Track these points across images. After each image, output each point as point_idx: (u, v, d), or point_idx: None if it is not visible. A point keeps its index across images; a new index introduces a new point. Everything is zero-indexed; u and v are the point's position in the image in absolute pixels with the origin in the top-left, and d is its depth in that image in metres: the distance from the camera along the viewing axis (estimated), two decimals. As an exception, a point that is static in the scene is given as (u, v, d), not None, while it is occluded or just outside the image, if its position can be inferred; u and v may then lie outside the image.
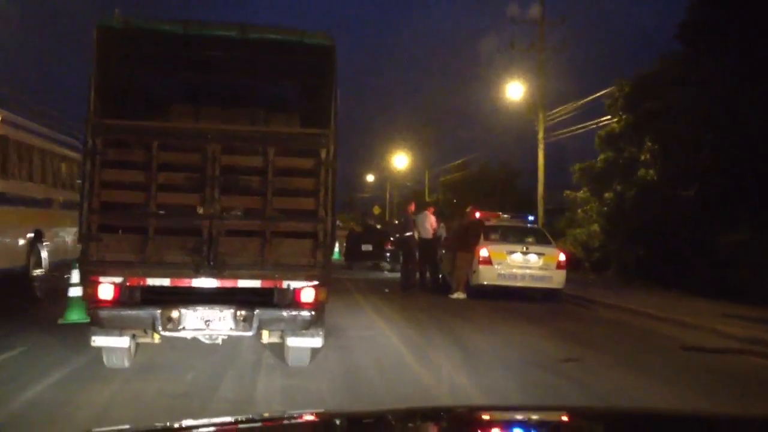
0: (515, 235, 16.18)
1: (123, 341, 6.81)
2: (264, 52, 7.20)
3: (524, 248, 15.49)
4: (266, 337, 6.96)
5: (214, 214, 6.51)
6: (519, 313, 13.07)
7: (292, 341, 7.05)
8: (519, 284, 15.23)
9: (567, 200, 28.29)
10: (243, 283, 6.59)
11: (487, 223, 16.49)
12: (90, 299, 6.52)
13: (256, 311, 6.54)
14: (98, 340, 6.75)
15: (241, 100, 7.57)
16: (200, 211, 6.58)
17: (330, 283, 6.96)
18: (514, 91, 27.39)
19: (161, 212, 6.57)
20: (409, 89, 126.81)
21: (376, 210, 56.31)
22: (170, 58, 7.54)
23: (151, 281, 6.52)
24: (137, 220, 6.60)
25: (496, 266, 15.17)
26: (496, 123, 34.17)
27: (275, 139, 6.69)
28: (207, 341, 6.92)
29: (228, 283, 6.57)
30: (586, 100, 24.75)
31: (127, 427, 2.23)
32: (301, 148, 6.84)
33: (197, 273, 6.47)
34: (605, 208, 23.21)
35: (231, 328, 6.57)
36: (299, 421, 2.30)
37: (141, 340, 7.11)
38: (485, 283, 15.24)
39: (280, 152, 6.66)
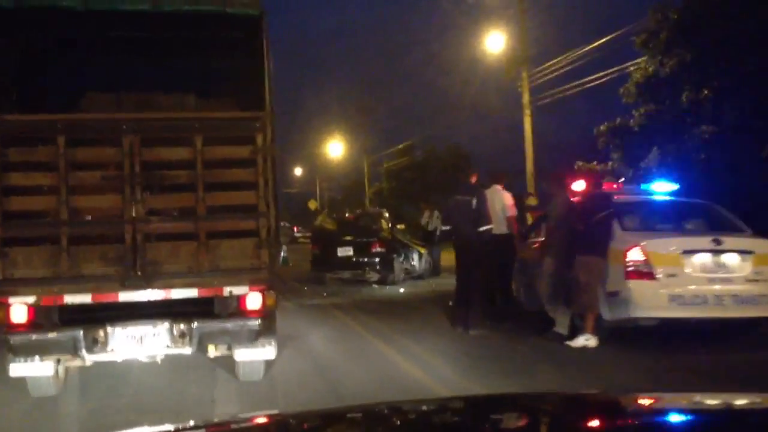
0: (677, 218, 9.59)
1: (46, 368, 6.15)
2: (182, 27, 6.55)
3: (714, 242, 8.34)
4: (212, 351, 6.34)
5: (137, 216, 5.83)
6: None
7: (240, 354, 6.48)
8: (715, 314, 8.33)
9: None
10: (177, 294, 6.02)
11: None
12: (2, 324, 5.77)
13: (195, 324, 5.99)
14: (17, 369, 6.05)
15: (164, 84, 6.85)
16: (124, 214, 5.87)
17: (279, 287, 6.34)
18: (490, 43, 22.67)
19: (74, 219, 5.84)
20: (349, 61, 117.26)
21: (312, 204, 53.32)
22: (75, 40, 6.78)
23: (70, 298, 5.86)
24: (47, 229, 5.88)
25: (664, 280, 8.19)
26: (466, 91, 30.02)
27: (202, 127, 6.09)
28: (145, 360, 6.23)
29: (160, 295, 5.94)
30: (599, 42, 19.52)
31: None
32: (234, 135, 6.28)
33: (123, 285, 5.85)
34: None
35: (167, 345, 6.01)
36: (249, 424, 2.18)
37: (70, 363, 6.45)
38: (643, 314, 8.32)
39: (209, 141, 6.08)
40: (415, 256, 18.22)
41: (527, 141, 22.35)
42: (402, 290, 16.00)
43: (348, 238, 17.40)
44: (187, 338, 5.97)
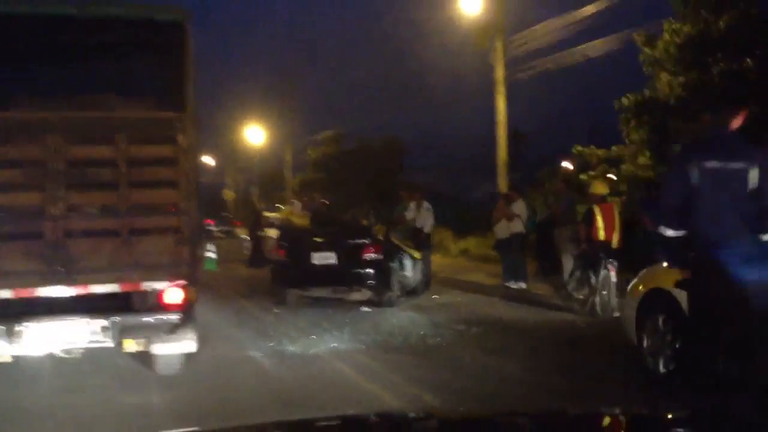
0: None
1: None
2: (109, 31, 6.83)
3: None
4: (130, 345, 6.62)
5: (60, 213, 6.11)
6: None
7: (158, 348, 6.82)
8: None
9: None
10: (98, 289, 6.34)
11: None
12: None
13: (115, 319, 6.29)
14: None
15: (89, 86, 7.14)
16: (47, 211, 6.14)
17: (199, 282, 6.69)
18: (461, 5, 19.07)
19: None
20: (276, 30, 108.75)
21: (228, 195, 51.11)
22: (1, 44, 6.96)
23: None
24: None
25: None
26: (424, 69, 26.89)
27: (125, 126, 6.42)
28: (64, 355, 6.51)
29: (81, 290, 6.28)
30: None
31: None
32: (156, 135, 6.64)
33: (44, 281, 6.09)
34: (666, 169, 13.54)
35: (88, 340, 6.27)
36: None
37: None
38: None
39: (132, 140, 6.43)
40: (408, 264, 13.16)
41: (500, 124, 18.93)
42: (424, 319, 10.92)
43: (326, 239, 12.52)
44: (107, 332, 6.27)
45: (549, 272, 14.14)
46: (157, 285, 6.43)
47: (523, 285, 13.72)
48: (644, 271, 7.49)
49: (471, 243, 22.26)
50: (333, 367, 7.79)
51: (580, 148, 17.04)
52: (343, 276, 12.02)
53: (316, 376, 7.42)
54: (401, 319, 10.92)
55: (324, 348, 8.73)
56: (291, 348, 8.74)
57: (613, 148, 15.93)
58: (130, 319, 6.41)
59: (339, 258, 12.08)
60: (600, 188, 11.52)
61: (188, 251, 6.46)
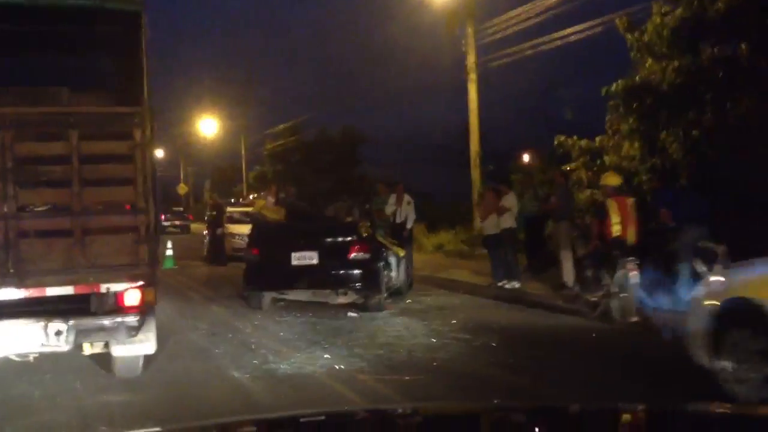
0: None
1: None
2: (60, 22, 6.57)
3: None
4: (88, 348, 6.47)
5: (10, 213, 5.89)
6: None
7: (118, 350, 6.67)
8: None
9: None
10: (52, 291, 6.13)
11: None
12: None
13: (71, 322, 6.13)
14: None
15: (40, 78, 6.88)
16: None
17: (158, 283, 6.51)
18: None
19: None
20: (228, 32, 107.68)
21: (182, 188, 50.27)
22: None
23: None
24: None
25: None
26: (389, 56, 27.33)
27: (77, 121, 6.22)
28: (18, 359, 6.30)
29: (34, 293, 6.04)
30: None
31: None
32: (111, 131, 6.46)
33: None
34: (656, 160, 13.31)
35: (42, 344, 6.08)
36: None
37: None
38: None
39: (85, 136, 6.24)
40: (393, 262, 12.26)
41: (472, 113, 18.52)
42: (421, 326, 9.88)
43: (308, 236, 11.37)
44: (63, 336, 6.06)
45: (539, 270, 13.53)
46: (115, 286, 6.25)
47: (516, 284, 12.77)
48: (714, 275, 6.49)
49: (444, 238, 21.76)
50: (333, 392, 6.69)
51: (562, 138, 16.04)
52: (326, 277, 10.91)
53: (316, 402, 6.28)
54: (395, 326, 9.90)
55: (318, 366, 7.52)
56: (280, 366, 7.49)
57: (597, 138, 15.22)
58: (87, 322, 6.22)
59: (321, 257, 10.96)
60: (613, 179, 10.47)
61: (146, 251, 6.29)
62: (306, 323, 10.11)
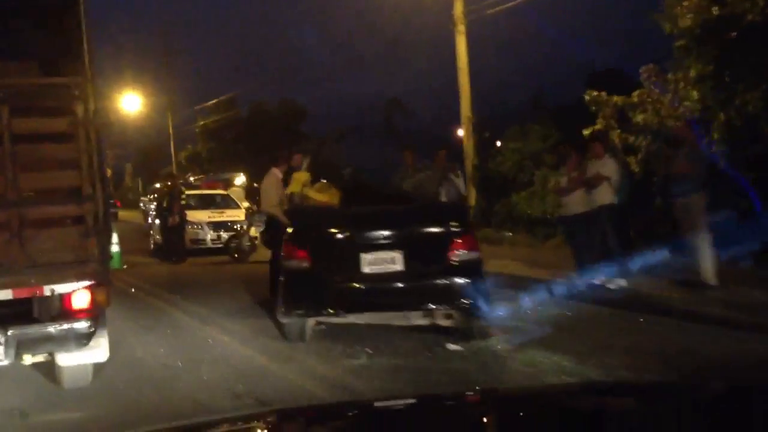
0: None
1: None
2: None
3: None
4: (29, 358, 5.79)
5: None
6: None
7: (65, 359, 5.96)
8: None
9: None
10: None
11: None
12: None
13: (11, 332, 5.41)
14: None
15: None
16: None
17: (110, 281, 5.76)
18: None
19: None
20: None
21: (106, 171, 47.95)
22: None
23: None
24: None
25: None
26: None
27: (9, 95, 5.46)
28: None
29: None
30: None
31: None
32: (49, 105, 5.74)
33: None
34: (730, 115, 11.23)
35: (-24, 358, 5.21)
36: None
37: None
38: None
39: (18, 112, 5.47)
40: None
41: (461, 71, 16.58)
42: (578, 368, 6.46)
43: (386, 228, 7.70)
44: (1, 349, 5.27)
45: (623, 259, 9.80)
46: (61, 287, 5.53)
47: (622, 283, 9.59)
48: None
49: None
50: None
51: (594, 93, 13.83)
52: (418, 291, 7.52)
53: None
54: (543, 369, 6.49)
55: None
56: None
57: (635, 93, 13.15)
58: (30, 331, 5.48)
59: (408, 260, 7.46)
60: None
61: (96, 245, 5.59)
62: (387, 369, 6.65)
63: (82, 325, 5.55)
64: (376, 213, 8.08)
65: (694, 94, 11.84)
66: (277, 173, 10.23)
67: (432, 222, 7.82)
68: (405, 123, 35.37)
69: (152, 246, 18.71)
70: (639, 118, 12.85)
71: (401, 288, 7.50)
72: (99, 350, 5.95)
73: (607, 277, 9.55)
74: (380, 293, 7.52)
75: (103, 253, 5.68)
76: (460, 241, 7.59)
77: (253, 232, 15.22)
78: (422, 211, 8.31)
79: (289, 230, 8.01)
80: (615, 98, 13.62)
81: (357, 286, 7.45)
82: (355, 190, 8.84)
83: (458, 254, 7.53)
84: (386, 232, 7.62)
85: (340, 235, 7.74)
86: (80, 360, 6.01)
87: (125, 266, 14.39)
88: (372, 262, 7.46)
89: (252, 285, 11.24)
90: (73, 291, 5.56)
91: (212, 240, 17.79)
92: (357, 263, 7.43)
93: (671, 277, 9.51)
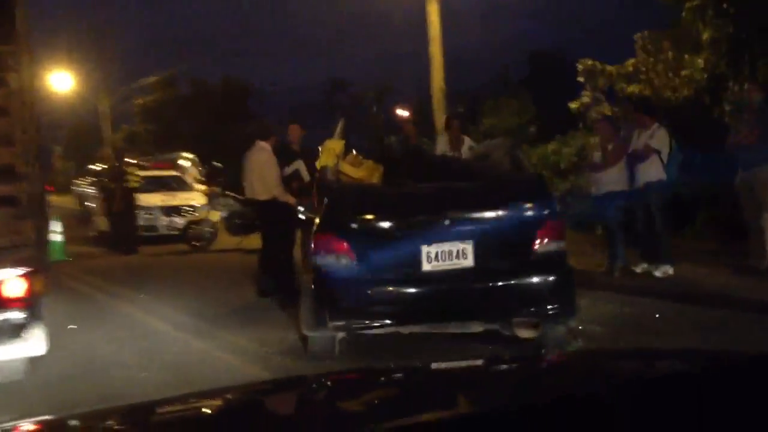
0: None
1: None
2: None
3: None
4: None
5: None
6: None
7: None
8: None
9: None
10: None
11: None
12: None
13: None
14: None
15: None
16: None
17: (48, 267, 5.40)
18: None
19: None
20: None
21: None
22: None
23: None
24: None
25: None
26: None
27: None
28: None
29: None
30: None
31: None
32: None
33: None
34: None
35: None
36: None
37: None
38: None
39: None
40: None
41: (434, 41, 15.55)
42: None
43: (450, 212, 6.02)
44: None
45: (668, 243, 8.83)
46: None
47: (669, 270, 8.58)
48: None
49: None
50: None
51: (589, 62, 13.16)
52: (492, 294, 6.03)
53: None
54: None
55: None
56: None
57: (630, 62, 12.78)
58: None
59: (480, 253, 5.93)
60: None
61: (31, 228, 5.36)
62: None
63: (16, 315, 5.33)
64: (440, 192, 6.39)
65: (700, 62, 11.30)
66: (267, 148, 8.98)
67: (511, 202, 6.09)
68: (348, 102, 34.77)
69: (95, 234, 17.26)
70: (631, 89, 12.53)
71: (474, 290, 6.01)
72: (35, 342, 5.59)
73: (650, 264, 8.67)
74: (447, 298, 6.01)
75: (40, 237, 5.41)
76: (546, 227, 6.06)
77: (214, 216, 14.30)
78: (497, 189, 6.49)
79: (321, 217, 6.23)
80: (609, 68, 13.11)
81: (417, 288, 6.01)
82: (398, 164, 7.55)
83: (544, 244, 6.02)
84: (454, 218, 5.99)
85: (393, 223, 6.09)
86: (14, 354, 5.66)
87: (70, 258, 13.18)
88: (435, 257, 5.93)
89: (227, 278, 10.36)
90: (7, 278, 5.28)
91: (166, 226, 16.45)
92: (416, 258, 5.91)
93: (726, 264, 8.65)
